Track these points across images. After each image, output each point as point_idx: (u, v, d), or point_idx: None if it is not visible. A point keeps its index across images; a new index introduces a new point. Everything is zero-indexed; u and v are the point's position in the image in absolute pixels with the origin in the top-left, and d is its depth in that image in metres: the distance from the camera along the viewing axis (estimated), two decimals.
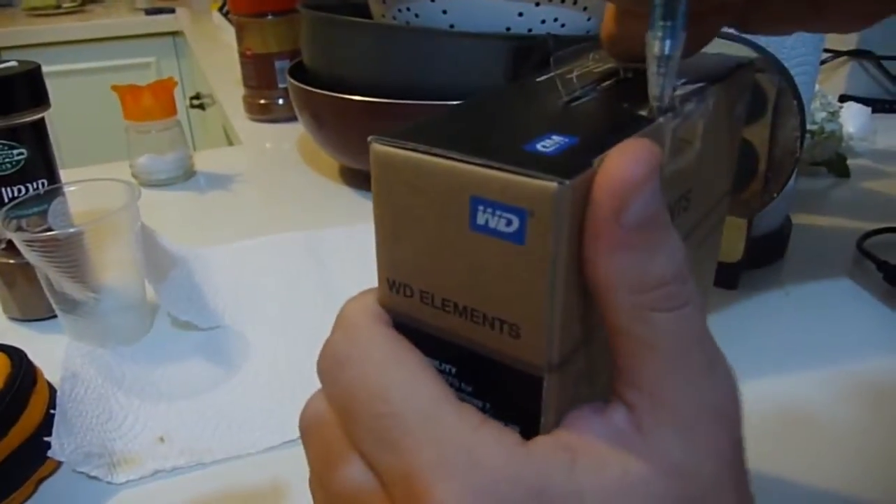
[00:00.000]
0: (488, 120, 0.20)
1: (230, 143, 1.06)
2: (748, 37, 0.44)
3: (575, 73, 0.23)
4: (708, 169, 0.24)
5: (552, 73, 0.23)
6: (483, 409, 0.20)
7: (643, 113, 0.19)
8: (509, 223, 0.17)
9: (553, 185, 0.16)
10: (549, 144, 0.17)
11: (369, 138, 0.18)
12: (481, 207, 0.17)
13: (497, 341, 0.18)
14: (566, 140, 0.17)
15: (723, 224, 0.28)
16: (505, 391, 0.19)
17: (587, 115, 0.20)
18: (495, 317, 0.18)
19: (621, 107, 0.20)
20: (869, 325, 0.45)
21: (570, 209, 0.16)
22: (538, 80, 0.23)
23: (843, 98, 0.83)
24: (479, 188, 0.17)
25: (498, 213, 0.17)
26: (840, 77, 0.87)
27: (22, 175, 0.45)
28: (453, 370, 0.20)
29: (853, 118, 0.73)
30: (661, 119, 0.19)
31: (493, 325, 0.18)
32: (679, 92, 0.21)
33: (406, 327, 0.20)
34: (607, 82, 0.23)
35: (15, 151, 0.45)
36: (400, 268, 0.20)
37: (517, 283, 0.17)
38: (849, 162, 0.68)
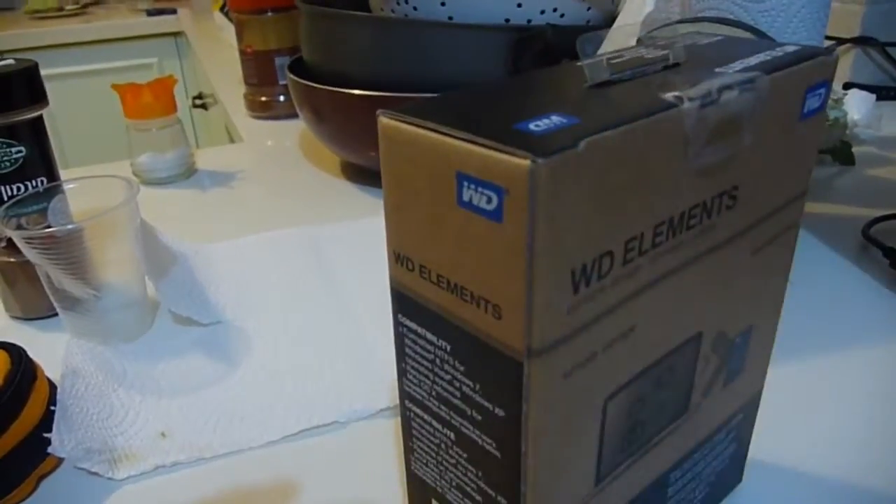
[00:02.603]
0: (498, 99, 0.19)
1: (232, 142, 1.06)
2: (751, 24, 0.44)
3: (609, 59, 0.21)
4: (767, 167, 0.23)
5: (587, 60, 0.22)
6: (473, 390, 0.20)
7: (670, 97, 0.18)
8: (489, 200, 0.16)
9: (526, 162, 0.15)
10: (542, 124, 0.17)
11: (378, 111, 0.19)
12: (466, 183, 0.17)
13: (483, 321, 0.18)
14: (564, 121, 0.17)
15: (796, 229, 0.26)
16: (491, 373, 0.19)
17: (605, 98, 0.19)
18: (480, 296, 0.18)
19: (649, 91, 0.19)
20: (875, 312, 0.45)
21: (548, 189, 0.15)
22: (578, 64, 0.22)
23: (848, 85, 0.83)
24: (462, 164, 0.17)
25: (479, 189, 0.17)
26: (844, 64, 0.86)
27: (21, 173, 0.45)
28: (448, 347, 0.20)
29: (858, 105, 0.72)
30: (685, 104, 0.18)
31: (479, 305, 0.18)
32: (720, 79, 0.19)
33: (410, 301, 0.21)
34: (649, 68, 0.21)
35: (13, 149, 0.45)
36: (402, 240, 0.20)
37: (497, 262, 0.17)
38: (854, 149, 0.67)
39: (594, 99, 0.19)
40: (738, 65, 0.21)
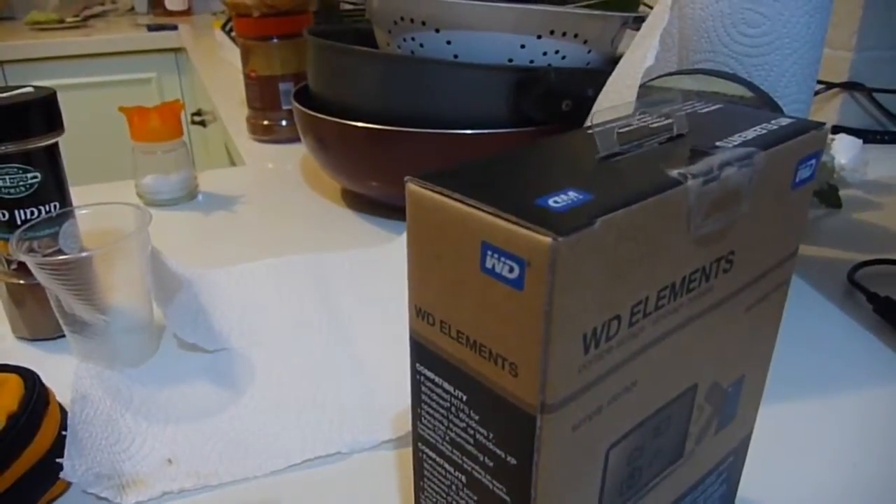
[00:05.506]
0: (517, 171, 0.21)
1: (231, 161, 1.07)
2: (745, 77, 0.46)
3: (620, 128, 0.23)
4: (761, 232, 0.24)
5: (596, 128, 0.23)
6: (487, 438, 0.21)
7: (675, 174, 0.20)
8: (511, 270, 0.18)
9: (548, 239, 0.17)
10: (561, 200, 0.18)
11: (406, 178, 0.20)
12: (490, 252, 0.18)
13: (500, 377, 0.20)
14: (580, 196, 0.18)
15: (787, 287, 0.28)
16: (505, 424, 0.20)
17: (615, 172, 0.20)
18: (499, 354, 0.19)
19: (655, 166, 0.21)
20: (859, 357, 0.46)
21: (567, 263, 0.17)
22: (588, 131, 0.24)
23: (836, 129, 0.85)
24: (488, 235, 0.18)
25: (503, 259, 0.18)
26: (832, 109, 0.89)
27: (35, 198, 0.46)
28: (464, 398, 0.21)
29: (845, 149, 0.74)
30: (689, 181, 0.20)
31: (497, 361, 0.20)
32: (720, 156, 0.21)
33: (429, 352, 0.22)
34: (654, 139, 0.23)
35: (29, 175, 0.46)
36: (425, 297, 0.21)
37: (517, 325, 0.18)
38: (840, 193, 0.69)
39: (605, 173, 0.20)
40: (736, 138, 0.23)
